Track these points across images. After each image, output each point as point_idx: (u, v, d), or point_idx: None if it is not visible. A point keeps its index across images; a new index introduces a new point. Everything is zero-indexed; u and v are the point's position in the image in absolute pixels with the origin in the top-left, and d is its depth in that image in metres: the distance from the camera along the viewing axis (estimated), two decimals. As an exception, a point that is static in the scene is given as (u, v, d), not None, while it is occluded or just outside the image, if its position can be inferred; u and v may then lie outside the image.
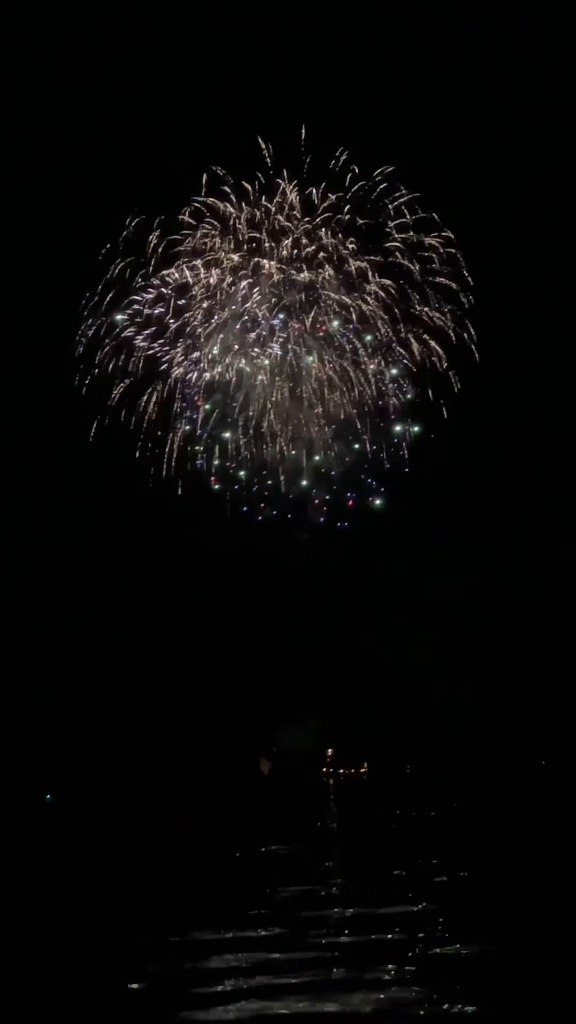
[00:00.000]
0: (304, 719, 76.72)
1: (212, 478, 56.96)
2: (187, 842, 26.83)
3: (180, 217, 51.56)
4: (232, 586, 71.53)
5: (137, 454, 55.33)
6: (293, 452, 55.29)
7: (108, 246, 51.57)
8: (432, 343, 52.67)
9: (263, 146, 50.88)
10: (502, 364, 57.87)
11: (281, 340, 52.25)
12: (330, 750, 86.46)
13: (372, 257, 52.37)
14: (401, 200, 51.69)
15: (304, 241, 51.05)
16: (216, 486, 57.18)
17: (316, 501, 58.65)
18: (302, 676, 76.04)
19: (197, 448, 55.07)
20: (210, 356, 52.42)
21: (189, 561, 68.85)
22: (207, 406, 53.49)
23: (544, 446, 62.73)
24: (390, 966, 10.92)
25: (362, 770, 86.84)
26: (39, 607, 68.74)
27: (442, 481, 62.45)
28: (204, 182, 51.47)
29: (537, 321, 61.57)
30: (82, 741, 67.81)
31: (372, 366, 52.75)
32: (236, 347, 52.39)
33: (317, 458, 56.14)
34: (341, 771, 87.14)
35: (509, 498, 66.23)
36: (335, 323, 52.14)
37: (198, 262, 51.91)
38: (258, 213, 51.02)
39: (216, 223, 51.64)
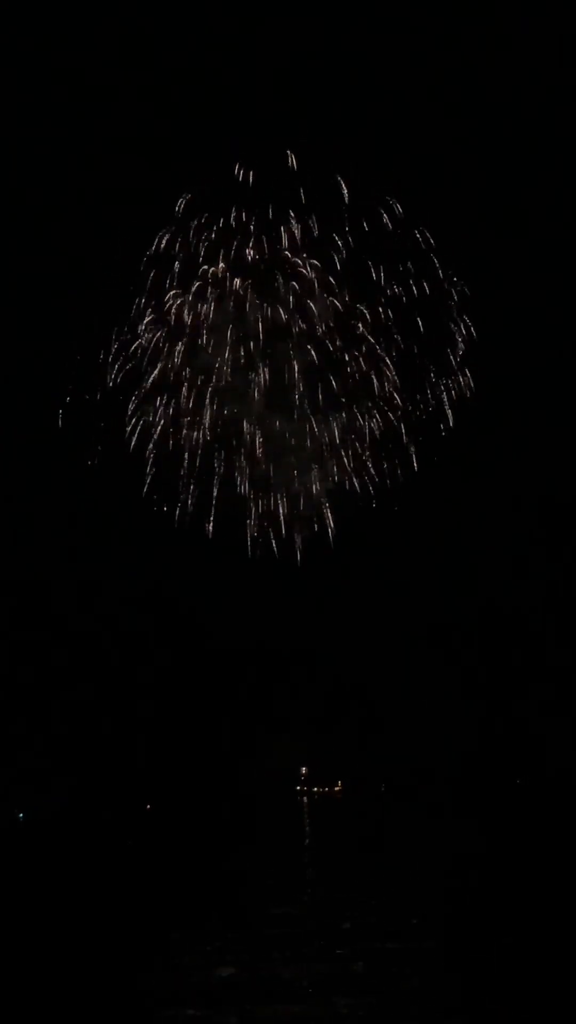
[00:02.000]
0: (282, 737, 77.38)
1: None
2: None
3: (155, 251, 50.58)
4: (221, 605, 72.55)
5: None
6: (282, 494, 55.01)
7: (91, 294, 51.38)
8: (431, 396, 52.10)
9: (247, 174, 48.95)
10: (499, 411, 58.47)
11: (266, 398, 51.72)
12: (304, 768, 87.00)
13: (375, 297, 51.17)
14: (403, 240, 50.26)
15: (294, 286, 50.22)
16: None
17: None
18: (281, 697, 76.89)
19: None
20: (193, 414, 52.00)
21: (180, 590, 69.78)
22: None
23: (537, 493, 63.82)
24: None
25: (336, 788, 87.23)
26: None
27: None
28: (185, 216, 50.45)
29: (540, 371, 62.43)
30: (64, 759, 68.21)
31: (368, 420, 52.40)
32: (216, 403, 51.92)
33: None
34: (316, 789, 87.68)
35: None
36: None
37: (181, 305, 51.00)
38: (248, 252, 49.73)
39: (196, 264, 50.52)
